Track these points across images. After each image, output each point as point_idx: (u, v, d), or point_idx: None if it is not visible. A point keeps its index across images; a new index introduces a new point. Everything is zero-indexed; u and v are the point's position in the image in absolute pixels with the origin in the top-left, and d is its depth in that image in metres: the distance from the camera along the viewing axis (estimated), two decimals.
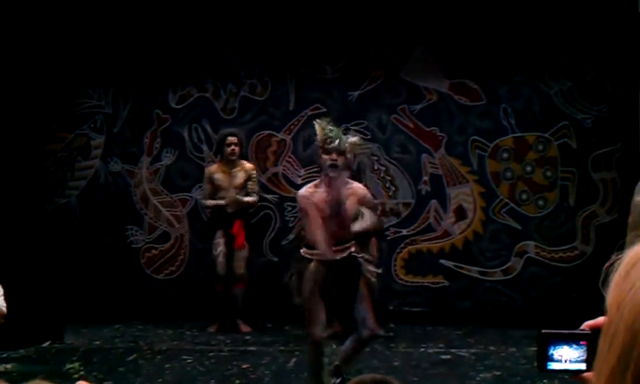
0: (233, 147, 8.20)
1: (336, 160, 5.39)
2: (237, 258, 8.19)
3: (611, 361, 0.83)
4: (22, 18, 7.92)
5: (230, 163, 8.25)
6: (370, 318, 5.47)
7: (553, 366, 1.24)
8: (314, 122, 5.83)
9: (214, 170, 8.30)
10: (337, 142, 5.40)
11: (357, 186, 5.76)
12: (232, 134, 8.32)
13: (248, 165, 8.40)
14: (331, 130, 5.49)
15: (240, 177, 8.25)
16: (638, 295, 0.83)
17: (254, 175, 8.35)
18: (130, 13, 8.69)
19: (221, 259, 8.15)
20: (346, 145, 5.45)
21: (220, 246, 8.15)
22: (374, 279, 5.60)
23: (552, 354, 1.23)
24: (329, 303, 5.47)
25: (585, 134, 8.58)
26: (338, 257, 5.44)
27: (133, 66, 8.88)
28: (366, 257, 5.61)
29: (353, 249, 5.53)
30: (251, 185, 8.29)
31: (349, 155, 5.51)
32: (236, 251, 8.19)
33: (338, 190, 5.42)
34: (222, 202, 8.17)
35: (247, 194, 8.28)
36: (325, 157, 5.43)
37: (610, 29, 8.22)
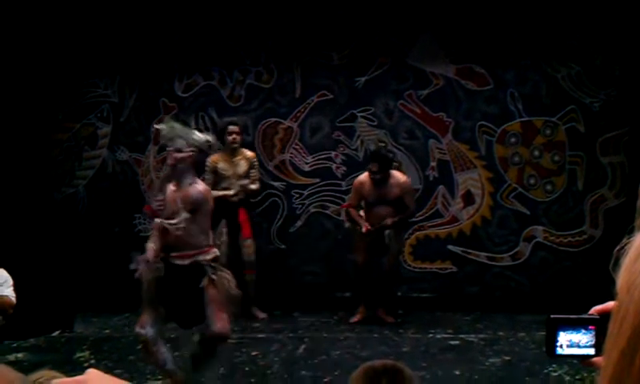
0: (234, 136, 8.17)
1: (177, 159, 5.23)
2: (245, 246, 8.18)
3: (621, 343, 0.83)
4: (28, 8, 7.92)
5: (231, 152, 8.20)
6: (216, 321, 5.28)
7: (562, 351, 1.24)
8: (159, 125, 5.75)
9: (217, 160, 8.19)
10: (176, 141, 5.27)
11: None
12: (233, 123, 8.28)
13: (249, 153, 8.35)
14: (170, 129, 5.34)
15: (242, 165, 8.22)
16: None
17: (256, 163, 8.35)
18: (135, 2, 8.69)
19: (223, 249, 7.96)
20: (191, 141, 5.27)
21: (223, 236, 8.08)
22: (231, 286, 5.34)
23: (561, 340, 1.23)
24: (168, 306, 5.30)
25: (593, 118, 8.54)
26: (179, 262, 5.25)
27: (139, 55, 8.88)
28: (213, 265, 5.37)
29: (201, 257, 5.27)
30: (254, 173, 8.27)
31: (193, 153, 5.30)
32: (243, 240, 8.18)
33: (184, 191, 5.26)
34: (229, 192, 8.12)
35: (250, 183, 8.26)
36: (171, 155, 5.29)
37: (618, 12, 8.17)
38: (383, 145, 8.57)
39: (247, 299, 8.15)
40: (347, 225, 8.31)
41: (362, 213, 7.85)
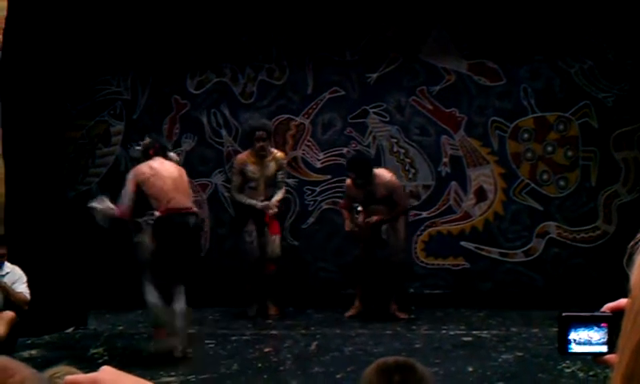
0: (261, 143, 8.08)
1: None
2: (272, 242, 8.14)
3: (634, 339, 0.83)
4: (41, 5, 7.95)
5: (260, 154, 8.12)
6: None
7: (574, 348, 1.23)
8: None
9: (245, 160, 8.17)
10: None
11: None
12: (261, 128, 8.18)
13: (279, 153, 8.26)
14: None
15: (271, 167, 8.16)
16: None
17: (285, 164, 8.31)
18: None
19: (255, 244, 8.11)
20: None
21: (254, 233, 8.12)
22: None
23: (573, 337, 1.23)
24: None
25: (606, 113, 8.50)
26: None
27: (151, 53, 8.90)
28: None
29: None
30: (281, 175, 8.22)
31: None
32: (270, 236, 8.15)
33: None
34: (257, 203, 8.10)
35: (276, 185, 8.21)
36: None
37: (631, 7, 8.13)
38: (356, 149, 8.60)
39: (264, 293, 8.18)
40: (348, 224, 8.21)
41: (359, 208, 7.95)
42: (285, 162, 8.31)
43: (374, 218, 7.78)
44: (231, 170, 8.53)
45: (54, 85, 8.46)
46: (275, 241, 8.17)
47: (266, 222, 8.11)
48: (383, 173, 7.95)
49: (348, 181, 8.02)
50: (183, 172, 6.72)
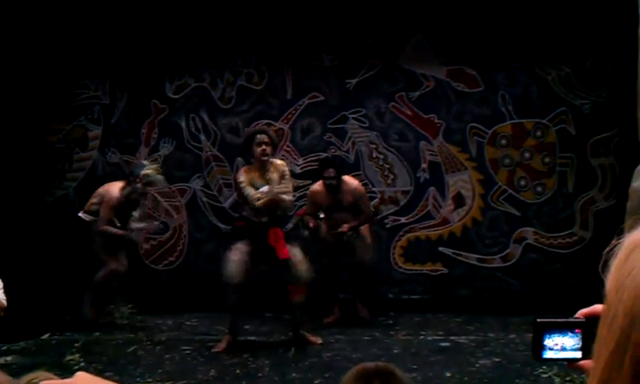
0: (264, 147, 6.81)
1: None
2: (293, 265, 6.89)
3: (610, 345, 0.83)
4: (19, 9, 7.89)
5: (262, 165, 6.86)
6: None
7: (548, 354, 1.24)
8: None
9: (249, 175, 6.92)
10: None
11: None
12: (261, 131, 7.04)
13: (278, 161, 7.16)
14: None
15: (275, 178, 6.93)
16: (637, 279, 0.83)
17: (287, 172, 7.07)
18: (126, 3, 8.67)
19: (239, 268, 6.85)
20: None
21: (239, 254, 6.89)
22: None
23: (547, 343, 1.24)
24: None
25: (583, 120, 8.58)
26: None
27: (130, 57, 8.86)
28: None
29: None
30: (285, 183, 6.99)
31: None
32: (288, 261, 6.88)
33: None
34: (261, 193, 6.82)
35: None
36: None
37: (609, 14, 8.20)
38: (334, 151, 8.64)
39: (295, 324, 7.26)
40: (306, 233, 7.94)
41: (322, 215, 7.87)
42: (287, 169, 7.08)
43: (345, 227, 7.75)
44: (236, 186, 7.58)
45: (32, 88, 8.40)
46: (298, 264, 6.91)
47: (271, 245, 6.90)
48: (350, 179, 7.99)
49: (314, 187, 7.98)
50: None
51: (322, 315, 8.09)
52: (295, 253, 6.94)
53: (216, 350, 6.98)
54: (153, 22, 8.76)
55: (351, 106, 8.78)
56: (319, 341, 7.14)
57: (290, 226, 8.75)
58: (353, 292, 8.11)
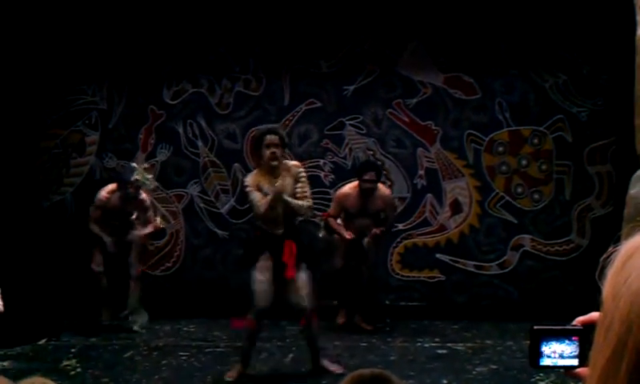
0: (273, 150, 6.13)
1: None
2: (295, 289, 6.28)
3: (606, 352, 0.83)
4: (16, 15, 7.90)
5: (271, 169, 6.23)
6: None
7: (545, 361, 1.24)
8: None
9: (258, 180, 6.26)
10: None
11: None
12: (272, 132, 6.27)
13: (292, 163, 6.55)
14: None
15: (289, 183, 6.27)
16: (634, 286, 0.83)
17: (303, 175, 6.40)
18: (124, 9, 8.67)
19: (267, 288, 6.26)
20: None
21: (266, 273, 6.27)
22: None
23: (544, 350, 1.24)
24: None
25: (580, 128, 8.59)
26: None
27: (127, 62, 8.86)
28: None
29: None
30: (301, 187, 6.29)
31: None
32: (289, 282, 6.27)
33: None
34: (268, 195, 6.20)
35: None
36: None
37: (605, 22, 8.22)
38: (372, 153, 8.64)
39: (314, 352, 6.66)
40: (322, 233, 8.14)
41: (339, 221, 7.87)
42: (302, 172, 6.41)
43: (378, 230, 7.75)
44: (243, 192, 7.00)
45: (29, 93, 8.40)
46: (299, 289, 6.27)
47: (284, 262, 6.25)
48: (382, 187, 8.01)
49: (344, 189, 7.92)
50: None
51: (325, 317, 8.10)
52: (301, 276, 6.28)
53: (227, 377, 6.36)
54: (150, 28, 8.76)
55: (348, 112, 8.79)
56: (340, 370, 6.32)
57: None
58: (354, 300, 8.05)
